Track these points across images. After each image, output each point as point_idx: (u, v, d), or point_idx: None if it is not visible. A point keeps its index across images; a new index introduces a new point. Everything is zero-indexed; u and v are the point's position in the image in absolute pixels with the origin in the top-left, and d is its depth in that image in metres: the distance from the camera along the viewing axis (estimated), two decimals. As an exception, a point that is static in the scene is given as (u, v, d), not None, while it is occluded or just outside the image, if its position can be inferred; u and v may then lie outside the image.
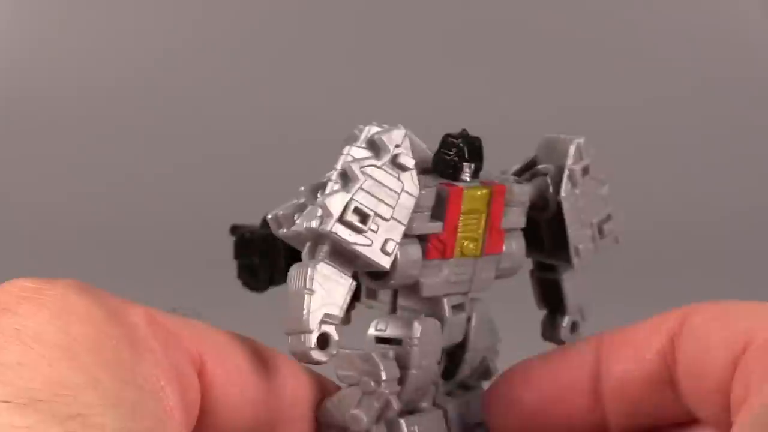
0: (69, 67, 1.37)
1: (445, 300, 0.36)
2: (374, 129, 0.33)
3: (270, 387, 0.33)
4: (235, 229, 0.40)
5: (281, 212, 0.34)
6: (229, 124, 1.34)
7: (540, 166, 0.38)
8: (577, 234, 0.38)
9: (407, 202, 0.33)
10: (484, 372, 0.38)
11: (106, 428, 0.26)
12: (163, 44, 1.38)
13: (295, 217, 0.33)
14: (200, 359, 0.32)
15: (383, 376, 0.34)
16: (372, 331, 0.36)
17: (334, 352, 0.32)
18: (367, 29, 1.40)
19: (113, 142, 1.34)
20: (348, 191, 0.32)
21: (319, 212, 0.32)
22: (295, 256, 0.34)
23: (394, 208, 0.33)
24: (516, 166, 0.39)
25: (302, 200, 0.34)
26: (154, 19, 1.39)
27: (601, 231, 0.39)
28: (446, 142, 0.35)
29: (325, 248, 0.33)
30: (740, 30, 1.39)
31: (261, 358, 0.33)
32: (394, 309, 0.37)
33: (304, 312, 0.32)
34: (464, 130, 0.35)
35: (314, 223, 0.32)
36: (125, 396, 0.27)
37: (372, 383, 0.34)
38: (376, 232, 0.33)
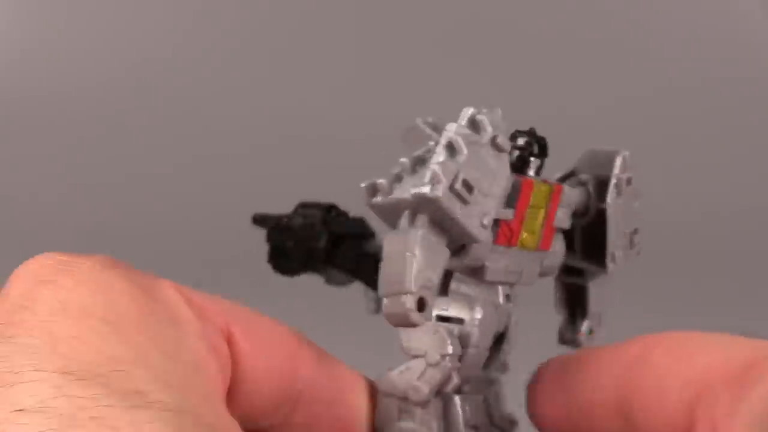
0: (67, 66, 1.37)
1: (500, 288, 0.37)
2: (472, 110, 0.34)
3: (292, 362, 0.34)
4: (257, 219, 0.40)
5: (378, 181, 0.35)
6: (228, 124, 1.34)
7: (581, 176, 0.40)
8: (615, 241, 0.40)
9: (503, 182, 0.34)
10: (502, 366, 0.39)
11: (166, 406, 0.26)
12: (163, 44, 1.38)
13: (393, 187, 0.34)
14: (228, 330, 0.32)
15: (449, 350, 0.35)
16: (434, 311, 0.37)
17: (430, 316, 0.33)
18: (368, 29, 1.40)
19: (112, 142, 1.34)
20: (456, 162, 0.33)
21: (428, 178, 0.33)
22: (337, 244, 0.34)
23: (492, 184, 0.34)
24: (556, 175, 0.40)
25: (398, 171, 0.34)
26: (155, 18, 1.39)
27: (632, 242, 0.40)
28: (515, 137, 0.36)
29: (424, 217, 0.33)
30: (741, 30, 1.40)
31: (283, 335, 0.34)
32: (444, 293, 0.37)
33: (407, 273, 0.32)
34: (532, 127, 0.37)
35: (424, 189, 0.33)
36: (174, 372, 0.28)
37: (438, 356, 0.35)
38: (477, 204, 0.34)
